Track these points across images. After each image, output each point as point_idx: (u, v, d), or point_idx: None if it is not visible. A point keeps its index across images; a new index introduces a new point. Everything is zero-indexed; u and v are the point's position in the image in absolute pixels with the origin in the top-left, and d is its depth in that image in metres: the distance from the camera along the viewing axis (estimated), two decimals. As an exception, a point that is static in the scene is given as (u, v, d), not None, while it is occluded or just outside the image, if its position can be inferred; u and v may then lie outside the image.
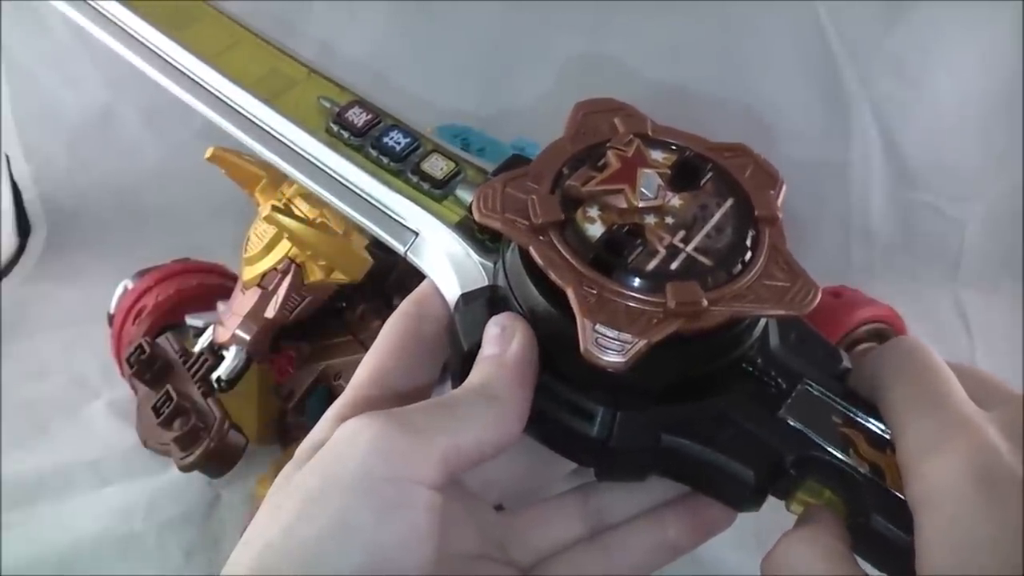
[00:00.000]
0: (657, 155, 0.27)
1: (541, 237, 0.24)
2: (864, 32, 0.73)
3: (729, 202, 0.26)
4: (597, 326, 0.22)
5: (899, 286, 0.74)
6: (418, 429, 0.22)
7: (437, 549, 0.22)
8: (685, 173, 0.26)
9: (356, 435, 0.22)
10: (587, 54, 0.75)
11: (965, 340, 0.73)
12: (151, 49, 0.33)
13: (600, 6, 0.73)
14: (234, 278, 0.57)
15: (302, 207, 0.49)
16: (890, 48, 0.74)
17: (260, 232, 0.51)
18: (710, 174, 0.26)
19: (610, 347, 0.22)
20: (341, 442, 0.22)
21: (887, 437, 0.23)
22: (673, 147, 0.27)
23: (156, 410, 0.50)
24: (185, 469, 0.50)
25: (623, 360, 0.22)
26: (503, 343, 0.24)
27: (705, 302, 0.23)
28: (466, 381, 0.24)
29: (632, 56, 0.75)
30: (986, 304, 0.76)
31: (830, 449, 0.24)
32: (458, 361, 0.26)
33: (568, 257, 0.24)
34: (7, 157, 0.79)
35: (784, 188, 0.26)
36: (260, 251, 0.50)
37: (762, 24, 0.73)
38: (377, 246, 0.52)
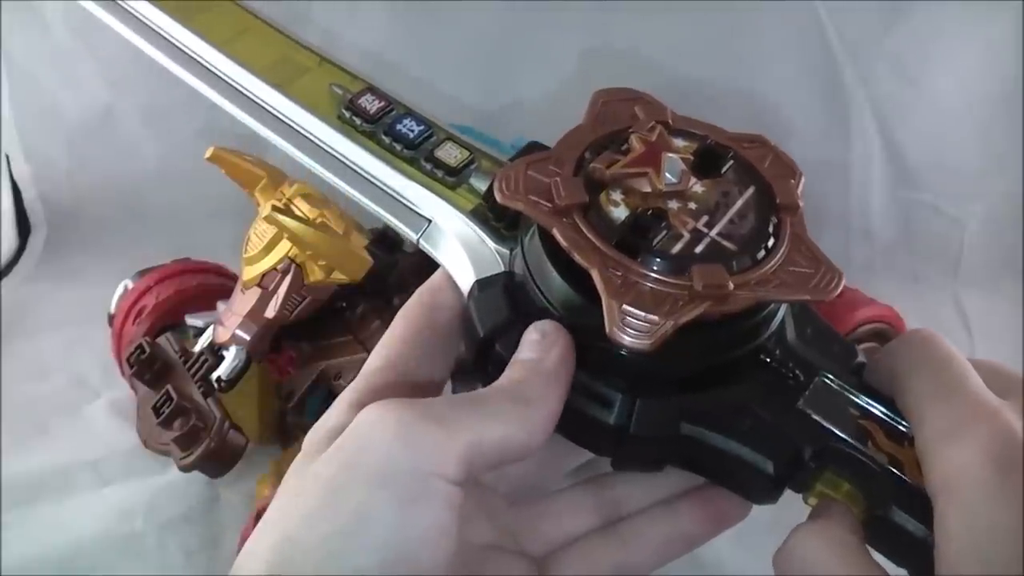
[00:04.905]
0: (678, 142, 0.27)
1: (564, 219, 0.24)
2: (864, 32, 0.73)
3: (751, 190, 0.26)
4: (623, 307, 0.22)
5: (899, 286, 0.74)
6: (442, 422, 0.22)
7: (457, 545, 0.22)
8: (707, 160, 0.26)
9: (379, 423, 0.22)
10: (587, 54, 0.75)
11: (965, 340, 0.73)
12: (162, 36, 0.33)
13: (600, 6, 0.73)
14: (234, 278, 0.56)
15: (302, 207, 0.49)
16: (890, 48, 0.74)
17: (260, 232, 0.51)
18: (731, 162, 0.26)
19: (636, 328, 0.22)
20: (363, 430, 0.22)
21: (904, 430, 0.23)
22: (694, 135, 0.27)
23: (156, 410, 0.50)
24: (185, 469, 0.50)
25: (649, 342, 0.22)
26: (542, 350, 0.24)
27: (731, 285, 0.23)
28: (497, 381, 0.24)
29: (632, 56, 0.75)
30: (986, 304, 0.76)
31: (849, 440, 0.24)
32: (473, 348, 0.26)
33: (592, 239, 0.24)
34: (7, 157, 0.79)
35: (803, 179, 0.26)
36: (260, 251, 0.50)
37: (762, 24, 0.73)
38: (377, 246, 0.52)
